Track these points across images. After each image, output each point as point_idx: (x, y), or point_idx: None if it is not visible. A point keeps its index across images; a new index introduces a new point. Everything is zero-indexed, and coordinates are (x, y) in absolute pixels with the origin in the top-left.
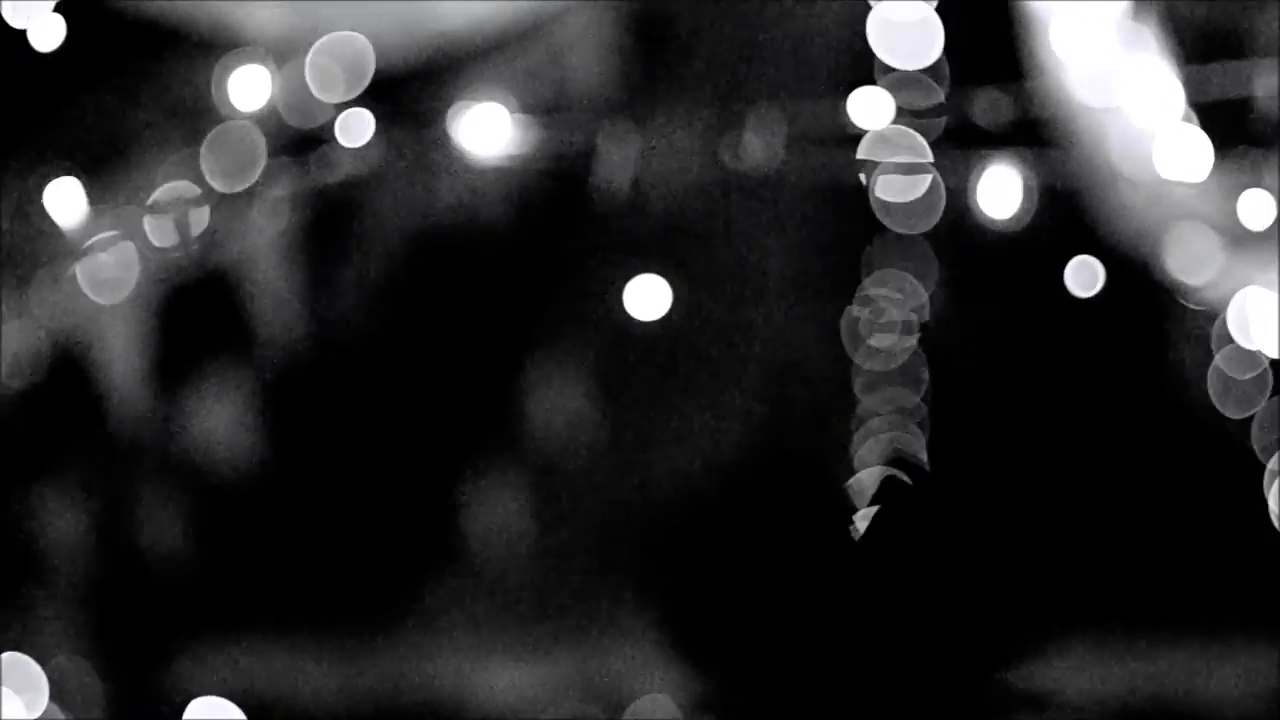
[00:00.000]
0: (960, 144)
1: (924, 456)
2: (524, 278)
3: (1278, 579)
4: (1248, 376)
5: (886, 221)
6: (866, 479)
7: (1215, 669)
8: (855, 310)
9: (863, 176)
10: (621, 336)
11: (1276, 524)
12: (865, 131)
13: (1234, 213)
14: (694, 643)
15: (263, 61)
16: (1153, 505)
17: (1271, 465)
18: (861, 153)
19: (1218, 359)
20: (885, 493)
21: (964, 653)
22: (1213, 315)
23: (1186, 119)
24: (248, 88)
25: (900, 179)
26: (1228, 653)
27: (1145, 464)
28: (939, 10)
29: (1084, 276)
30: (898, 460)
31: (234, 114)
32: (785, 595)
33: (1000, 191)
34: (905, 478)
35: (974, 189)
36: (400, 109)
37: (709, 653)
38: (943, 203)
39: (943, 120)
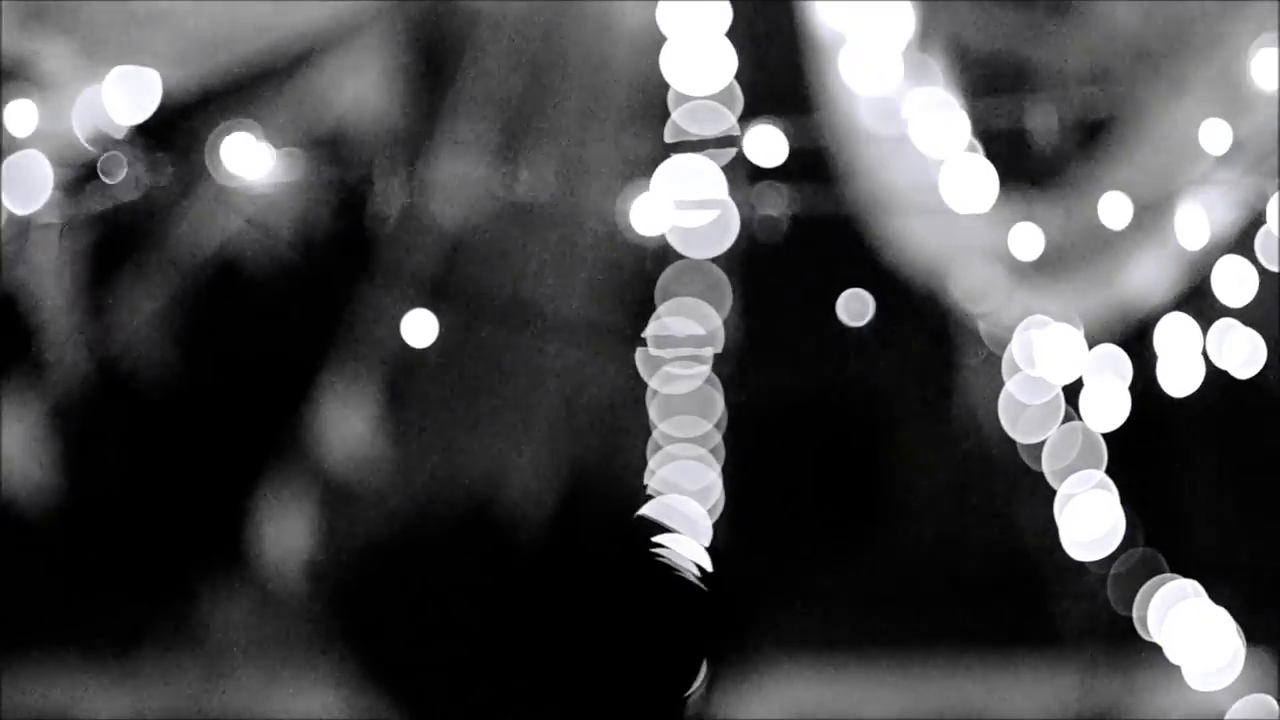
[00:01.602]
0: (751, 172)
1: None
2: (304, 305)
3: (1068, 600)
4: (1038, 403)
5: (680, 249)
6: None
7: (1012, 688)
8: (650, 337)
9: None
10: (412, 363)
11: (1066, 548)
12: (656, 159)
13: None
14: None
15: (44, 91)
16: (946, 528)
17: (1063, 490)
18: (655, 181)
19: (1009, 385)
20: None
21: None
22: (1003, 342)
23: (970, 149)
24: (22, 117)
25: (692, 207)
26: (1024, 672)
27: (937, 488)
28: (730, 40)
29: (854, 307)
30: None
31: (14, 144)
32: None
33: (779, 218)
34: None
35: (759, 217)
36: (177, 138)
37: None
38: (735, 230)
39: (734, 149)
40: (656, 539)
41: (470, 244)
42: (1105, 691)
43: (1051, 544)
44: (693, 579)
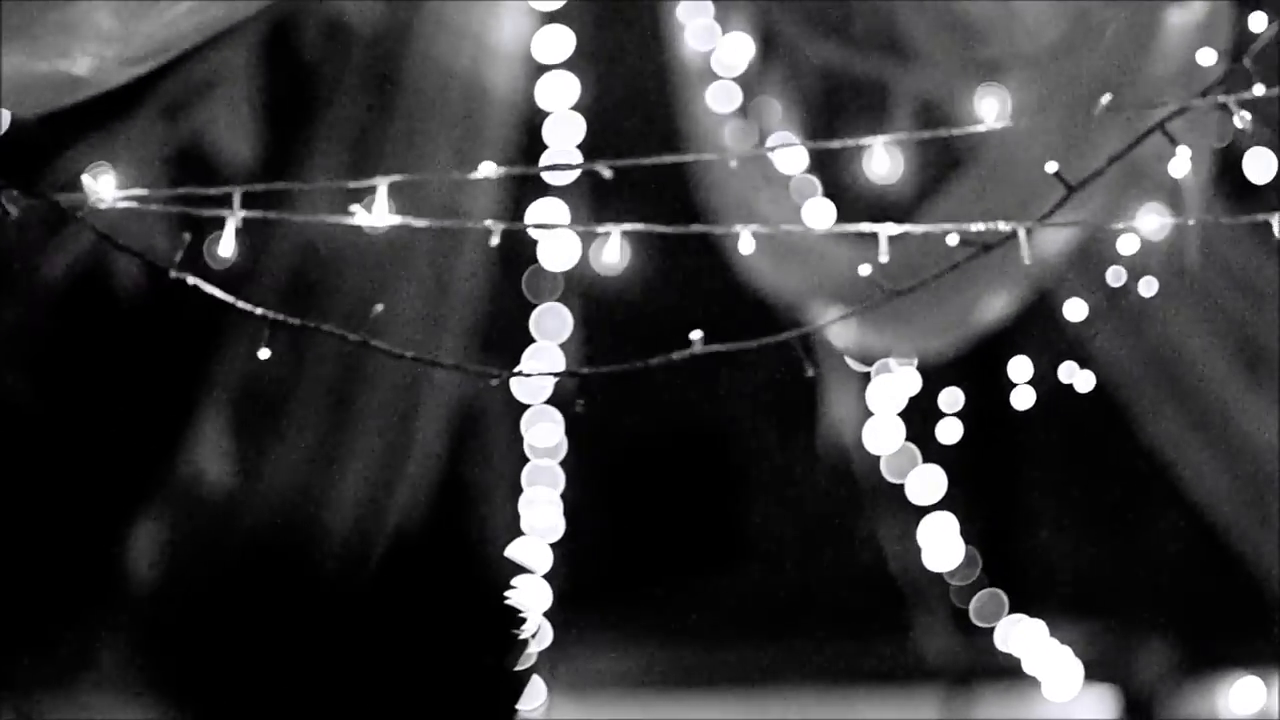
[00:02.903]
0: (598, 193)
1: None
2: (156, 329)
3: (931, 616)
4: (889, 420)
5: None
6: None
7: (880, 708)
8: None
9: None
10: (264, 384)
11: (927, 564)
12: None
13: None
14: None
15: None
16: (815, 551)
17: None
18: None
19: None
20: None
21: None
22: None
23: (811, 170)
24: None
25: (555, 244)
26: (890, 688)
27: (797, 519)
28: (589, 64)
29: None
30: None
31: None
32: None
33: (616, 253)
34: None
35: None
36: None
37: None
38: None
39: (581, 171)
40: (514, 579)
41: (324, 266)
42: (966, 713)
43: (913, 566)
44: (526, 622)
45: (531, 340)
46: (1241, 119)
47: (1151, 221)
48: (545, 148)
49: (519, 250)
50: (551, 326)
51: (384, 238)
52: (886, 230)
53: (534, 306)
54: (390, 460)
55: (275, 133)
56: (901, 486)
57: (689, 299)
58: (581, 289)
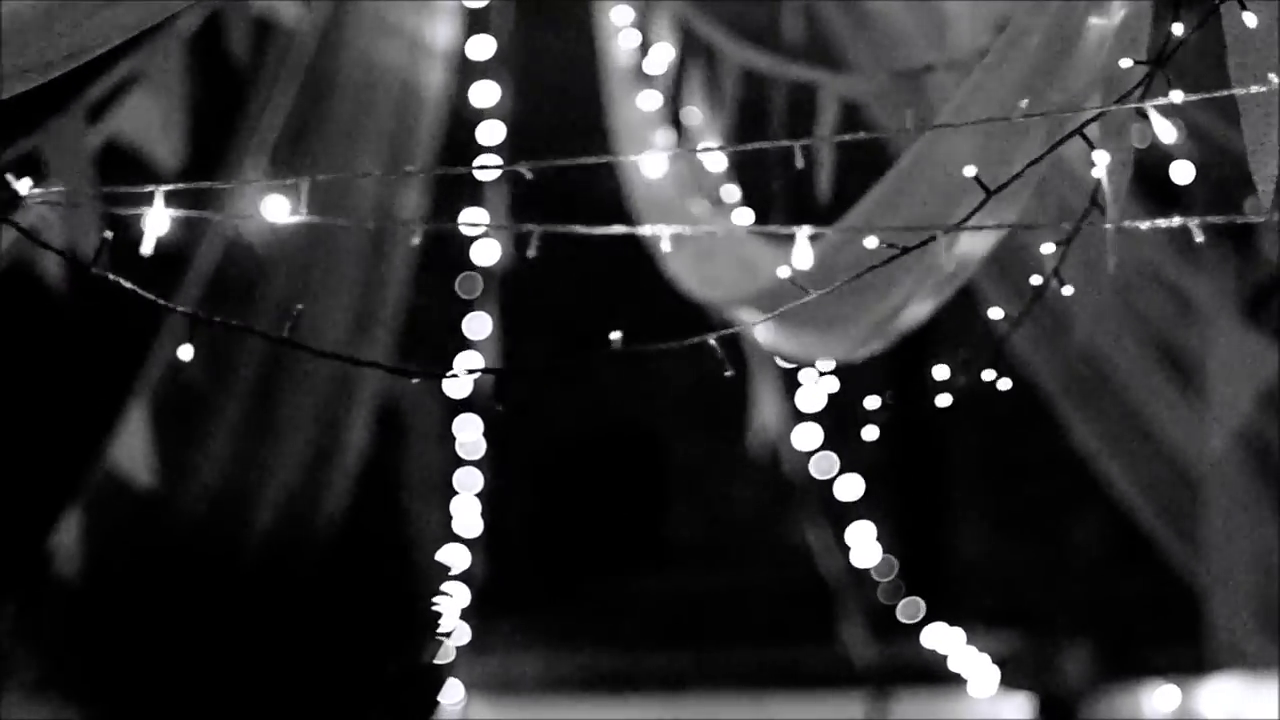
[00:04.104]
0: (520, 194)
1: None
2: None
3: (854, 620)
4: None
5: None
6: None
7: (803, 713)
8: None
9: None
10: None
11: (853, 564)
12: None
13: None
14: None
15: None
16: (739, 555)
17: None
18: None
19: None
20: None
21: None
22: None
23: (733, 173)
24: None
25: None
26: (813, 693)
27: (729, 517)
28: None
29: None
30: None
31: None
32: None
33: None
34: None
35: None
36: None
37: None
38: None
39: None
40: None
41: (252, 265)
42: (896, 711)
43: (838, 570)
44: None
45: (461, 339)
46: (1159, 124)
47: (1068, 225)
48: (477, 147)
49: (448, 250)
50: (473, 326)
51: (312, 237)
52: (805, 232)
53: (464, 306)
54: (315, 458)
55: (204, 131)
56: (828, 485)
57: (615, 301)
58: (504, 289)
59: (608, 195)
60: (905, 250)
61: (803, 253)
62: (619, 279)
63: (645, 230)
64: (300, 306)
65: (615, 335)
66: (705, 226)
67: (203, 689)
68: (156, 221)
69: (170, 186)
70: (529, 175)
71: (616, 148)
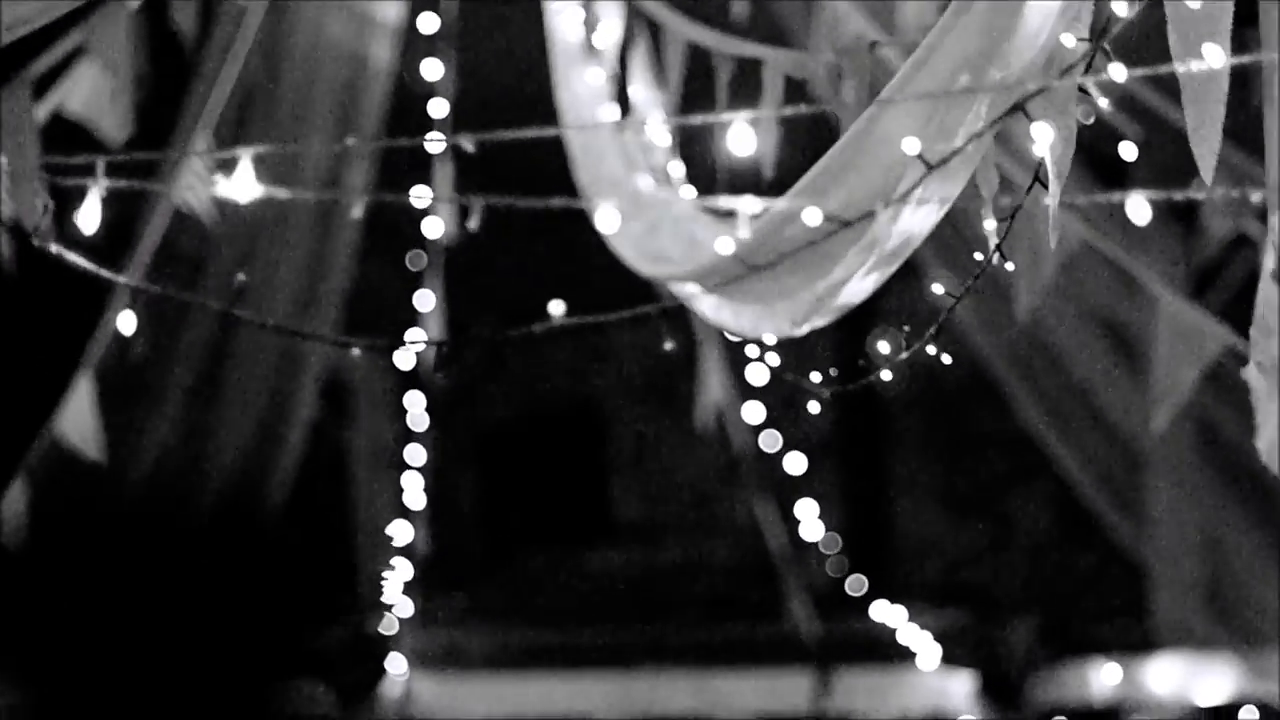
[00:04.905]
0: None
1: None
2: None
3: (799, 597)
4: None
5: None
6: None
7: (749, 689)
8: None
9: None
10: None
11: (798, 537)
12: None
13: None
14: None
15: None
16: (686, 530)
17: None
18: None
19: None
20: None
21: None
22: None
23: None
24: None
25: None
26: (758, 670)
27: (675, 492)
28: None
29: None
30: None
31: None
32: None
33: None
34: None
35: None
36: None
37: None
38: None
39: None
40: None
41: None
42: (841, 687)
43: (786, 543)
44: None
45: (410, 313)
46: (1100, 101)
47: (1010, 200)
48: (425, 121)
49: (396, 225)
50: (420, 300)
51: (260, 211)
52: (747, 206)
53: (412, 279)
54: (261, 432)
55: (151, 105)
56: (774, 460)
57: (563, 276)
58: (451, 263)
59: (555, 171)
60: (846, 225)
61: (744, 227)
62: (568, 255)
63: (588, 205)
64: (242, 276)
65: (556, 306)
66: (646, 198)
67: (147, 659)
68: (98, 194)
69: (111, 158)
70: (470, 149)
71: (563, 123)
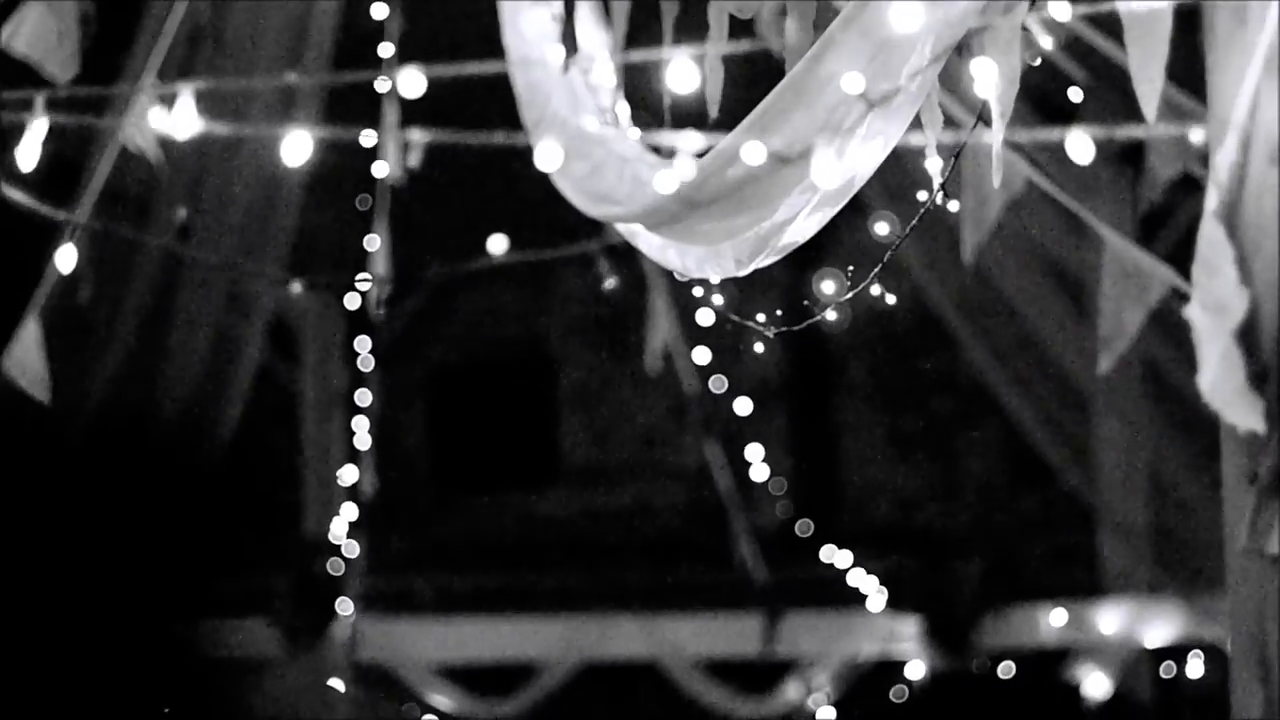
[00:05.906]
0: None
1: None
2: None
3: (747, 535)
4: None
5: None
6: None
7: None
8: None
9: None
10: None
11: (745, 480)
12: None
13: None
14: None
15: None
16: (634, 473)
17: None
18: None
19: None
20: None
21: None
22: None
23: (621, 86)
24: None
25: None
26: (707, 614)
27: (624, 434)
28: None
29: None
30: None
31: None
32: None
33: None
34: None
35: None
36: None
37: None
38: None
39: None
40: None
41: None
42: (789, 630)
43: (734, 487)
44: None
45: (358, 253)
46: (1045, 41)
47: (954, 139)
48: (372, 59)
49: (344, 164)
50: (369, 240)
51: (207, 149)
52: (690, 143)
53: (360, 219)
54: (209, 373)
55: (99, 42)
56: (722, 403)
57: (510, 217)
58: (398, 204)
59: (502, 110)
60: (785, 161)
61: (689, 165)
62: (516, 196)
63: (533, 142)
64: (184, 211)
65: (497, 242)
66: (587, 136)
67: (91, 602)
68: (39, 130)
69: (51, 93)
70: (421, 87)
71: (509, 61)
